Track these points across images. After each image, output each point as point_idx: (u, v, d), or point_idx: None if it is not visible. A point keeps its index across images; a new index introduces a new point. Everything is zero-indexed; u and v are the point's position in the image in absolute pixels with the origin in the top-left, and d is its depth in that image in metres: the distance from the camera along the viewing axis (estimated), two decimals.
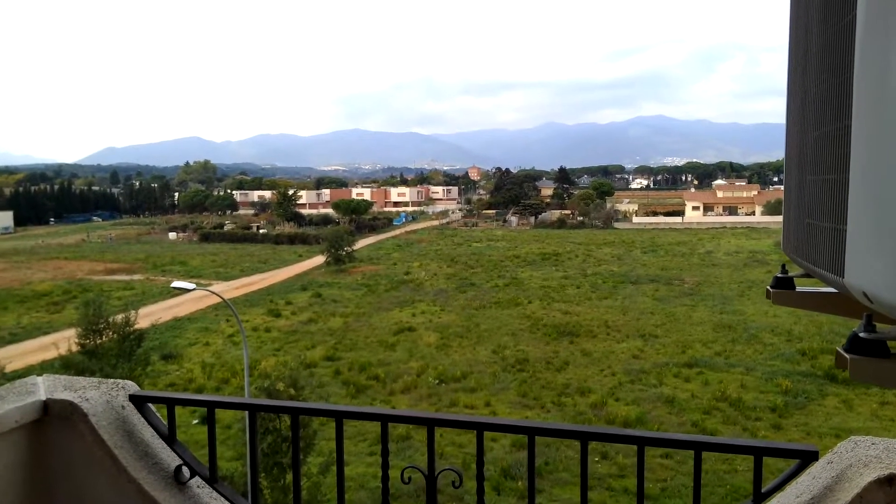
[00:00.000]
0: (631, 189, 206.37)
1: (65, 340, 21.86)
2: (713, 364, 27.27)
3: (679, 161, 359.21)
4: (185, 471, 2.33)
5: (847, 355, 1.56)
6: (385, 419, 2.28)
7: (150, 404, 2.44)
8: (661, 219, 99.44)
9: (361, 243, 69.15)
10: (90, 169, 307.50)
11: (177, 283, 19.57)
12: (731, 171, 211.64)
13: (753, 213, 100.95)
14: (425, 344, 31.33)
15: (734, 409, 22.21)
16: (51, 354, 23.22)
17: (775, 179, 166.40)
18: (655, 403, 22.98)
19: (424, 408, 22.83)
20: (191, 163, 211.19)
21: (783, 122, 2.62)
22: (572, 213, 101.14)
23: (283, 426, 13.83)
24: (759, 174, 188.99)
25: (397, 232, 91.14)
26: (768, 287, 2.62)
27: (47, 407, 2.28)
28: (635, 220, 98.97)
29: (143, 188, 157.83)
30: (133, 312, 22.49)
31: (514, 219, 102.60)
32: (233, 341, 31.86)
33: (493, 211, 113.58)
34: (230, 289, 45.74)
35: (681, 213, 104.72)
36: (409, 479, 2.27)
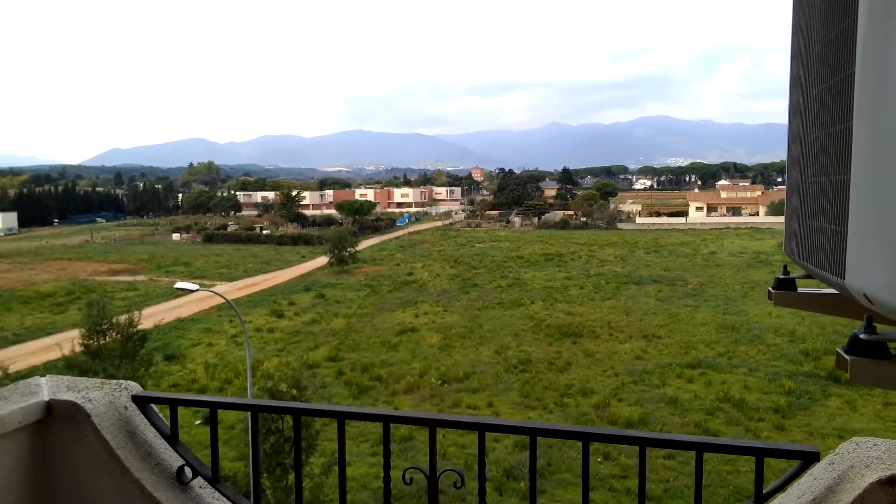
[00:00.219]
0: (634, 190, 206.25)
1: (68, 341, 21.89)
2: (716, 365, 27.22)
3: (683, 161, 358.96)
4: (188, 471, 2.34)
5: (847, 357, 1.56)
6: (387, 420, 2.28)
7: (152, 405, 2.45)
8: (664, 219, 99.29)
9: (364, 244, 69.19)
10: (94, 170, 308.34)
11: (180, 284, 19.66)
12: (735, 171, 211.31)
13: (757, 214, 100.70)
14: (428, 344, 31.34)
15: (737, 409, 22.16)
16: (54, 355, 23.30)
17: (779, 180, 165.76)
18: (658, 404, 22.95)
19: (427, 408, 22.84)
20: (195, 164, 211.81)
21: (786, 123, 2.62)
22: (575, 214, 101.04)
23: (285, 427, 13.84)
24: (763, 174, 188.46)
25: (400, 233, 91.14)
26: (770, 288, 2.62)
27: (51, 407, 2.29)
28: (639, 220, 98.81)
29: (146, 189, 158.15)
30: (136, 313, 22.51)
31: (517, 219, 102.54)
32: (236, 342, 31.91)
33: (497, 212, 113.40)
34: (233, 289, 45.83)
35: (684, 213, 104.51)
36: (411, 479, 2.28)
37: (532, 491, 2.21)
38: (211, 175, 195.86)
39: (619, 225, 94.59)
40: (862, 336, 1.57)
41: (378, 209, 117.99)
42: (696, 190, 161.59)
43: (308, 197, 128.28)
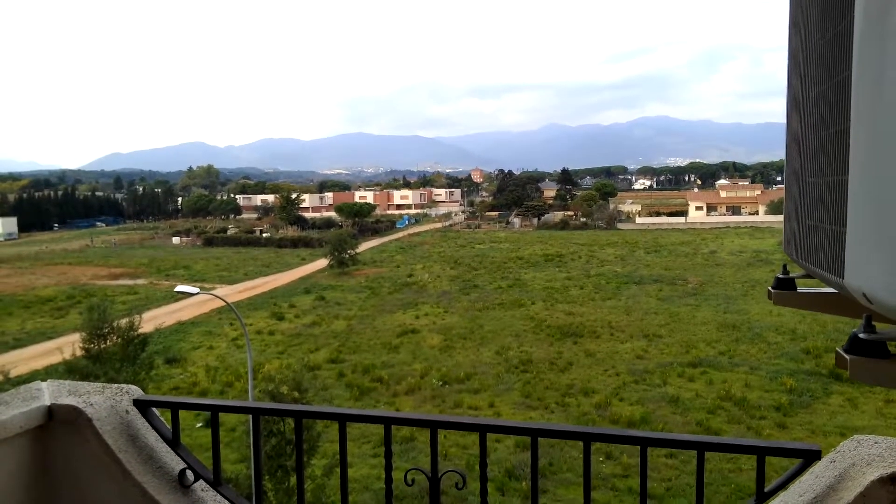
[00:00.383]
0: (634, 190, 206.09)
1: (69, 345, 21.93)
2: (717, 363, 27.22)
3: (682, 161, 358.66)
4: (189, 474, 2.34)
5: (847, 356, 1.57)
6: (388, 422, 2.28)
7: (154, 408, 2.45)
8: (664, 219, 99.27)
9: (364, 246, 69.20)
10: (94, 174, 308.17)
11: (181, 287, 19.68)
12: (735, 170, 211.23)
13: (757, 213, 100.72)
14: (429, 346, 31.33)
15: (738, 408, 22.17)
16: (55, 359, 23.31)
17: (779, 179, 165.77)
18: (660, 403, 22.95)
19: (428, 409, 22.83)
20: (194, 167, 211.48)
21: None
22: (575, 215, 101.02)
23: (286, 429, 13.86)
24: (762, 174, 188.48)
25: (400, 234, 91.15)
26: (770, 288, 2.63)
27: (52, 412, 2.29)
28: (638, 220, 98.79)
29: (146, 193, 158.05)
30: (137, 317, 22.56)
31: (516, 220, 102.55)
32: (236, 345, 31.90)
33: (496, 213, 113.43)
34: (234, 292, 45.84)
35: (684, 213, 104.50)
36: (413, 480, 2.28)
37: (533, 491, 2.21)
38: (210, 178, 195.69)
39: (619, 225, 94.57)
40: (861, 335, 1.57)
41: (378, 211, 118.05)
42: (696, 189, 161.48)
43: (308, 200, 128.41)
